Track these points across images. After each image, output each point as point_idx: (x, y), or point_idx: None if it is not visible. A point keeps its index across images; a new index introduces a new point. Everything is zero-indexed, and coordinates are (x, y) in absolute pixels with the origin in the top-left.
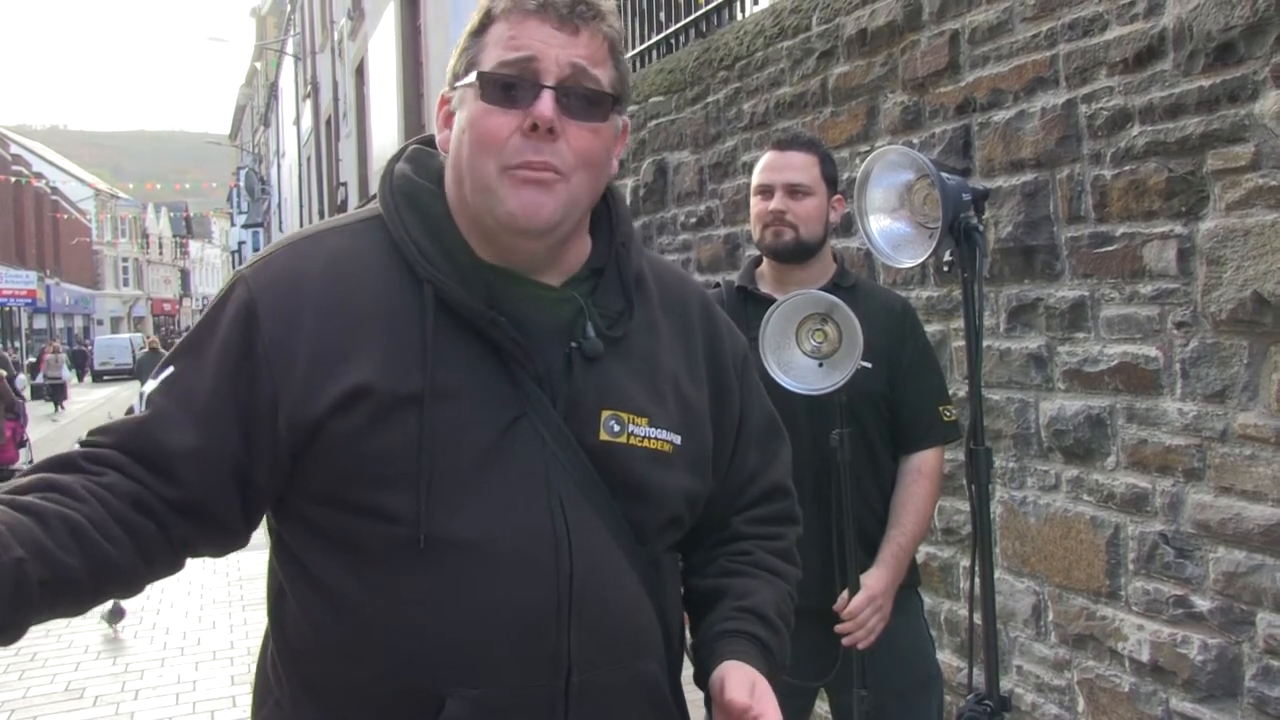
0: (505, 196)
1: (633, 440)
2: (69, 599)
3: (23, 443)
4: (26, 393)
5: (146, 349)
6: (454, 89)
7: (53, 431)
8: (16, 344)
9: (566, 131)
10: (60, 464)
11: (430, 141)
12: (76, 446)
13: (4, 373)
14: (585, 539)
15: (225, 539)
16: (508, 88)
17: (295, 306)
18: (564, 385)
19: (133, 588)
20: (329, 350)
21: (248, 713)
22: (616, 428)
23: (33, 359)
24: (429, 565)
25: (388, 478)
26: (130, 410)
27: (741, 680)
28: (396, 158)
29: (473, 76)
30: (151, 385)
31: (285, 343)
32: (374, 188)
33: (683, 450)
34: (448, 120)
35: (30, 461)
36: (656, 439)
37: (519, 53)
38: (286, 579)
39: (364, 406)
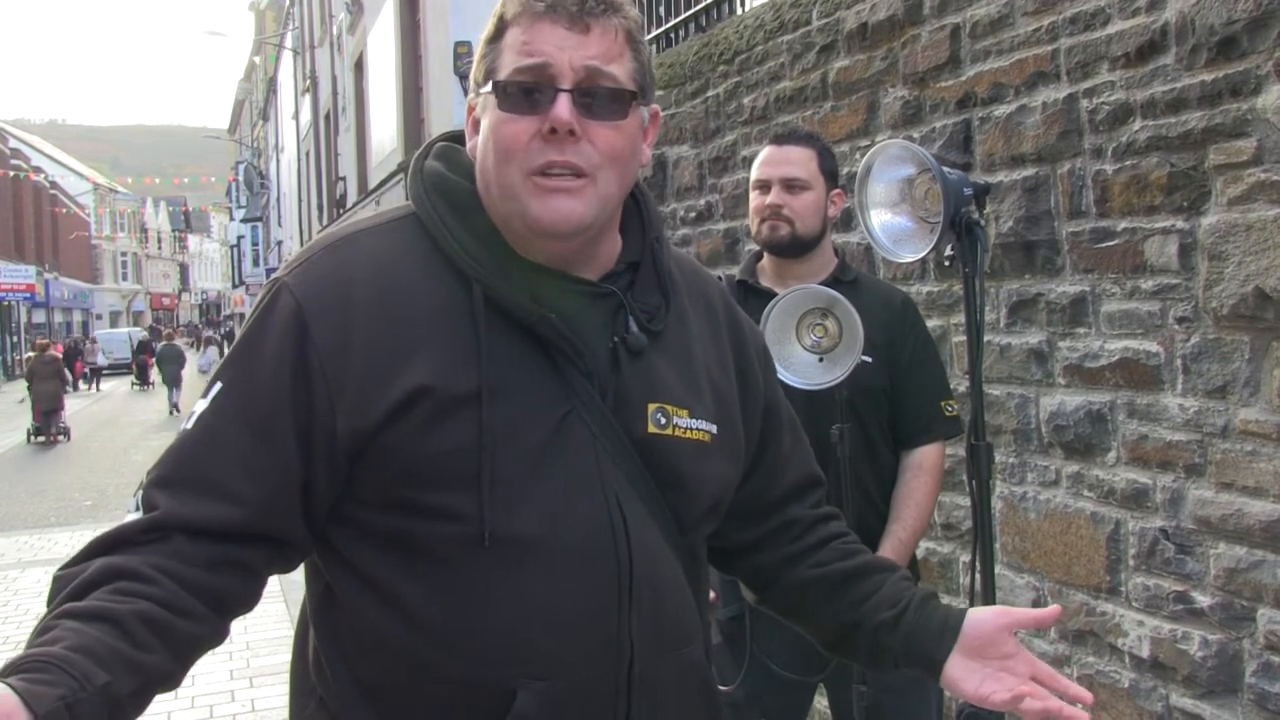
0: (530, 203)
1: (677, 432)
2: (160, 688)
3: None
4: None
5: (165, 341)
6: (477, 95)
7: (92, 402)
8: (15, 339)
9: (588, 131)
10: (116, 542)
11: (456, 138)
12: (138, 497)
13: (60, 356)
14: (639, 530)
15: (294, 555)
16: (526, 93)
17: (345, 311)
18: (611, 380)
19: (218, 642)
20: (384, 353)
21: (246, 706)
22: (663, 420)
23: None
24: (495, 562)
25: (449, 477)
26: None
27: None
28: (424, 154)
29: (490, 85)
30: (202, 404)
31: (339, 349)
32: (374, 182)
33: (719, 439)
34: (475, 127)
35: (66, 428)
36: (697, 429)
37: (532, 59)
38: (334, 580)
39: (423, 408)
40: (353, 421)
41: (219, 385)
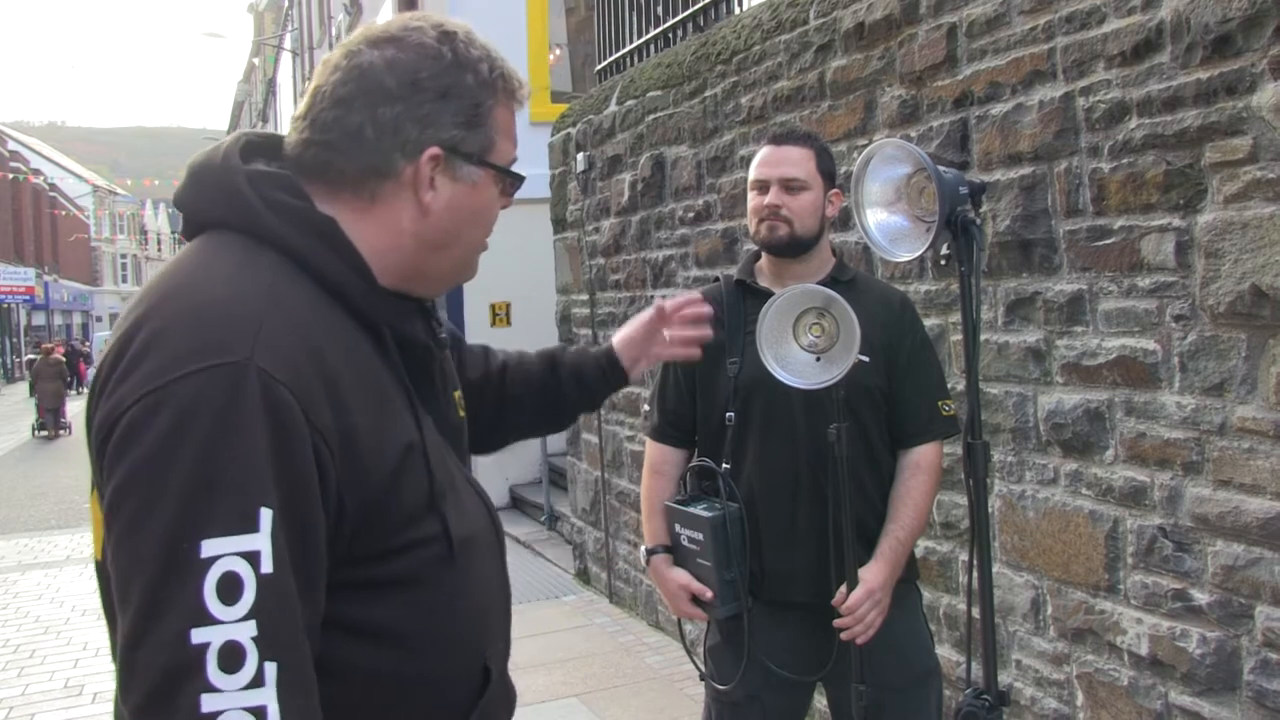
0: (475, 264)
1: (462, 410)
2: None
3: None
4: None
5: None
6: (451, 155)
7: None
8: (15, 341)
9: None
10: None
11: (255, 149)
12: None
13: (63, 358)
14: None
15: None
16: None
17: (329, 387)
18: (440, 381)
19: None
20: (372, 419)
21: None
22: (459, 403)
23: (33, 356)
24: (458, 565)
25: (417, 512)
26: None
27: None
28: (254, 183)
29: (491, 168)
30: (261, 542)
31: (334, 426)
32: None
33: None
34: (425, 183)
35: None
36: (462, 403)
37: (515, 150)
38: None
39: (408, 462)
40: (363, 495)
41: (270, 514)
